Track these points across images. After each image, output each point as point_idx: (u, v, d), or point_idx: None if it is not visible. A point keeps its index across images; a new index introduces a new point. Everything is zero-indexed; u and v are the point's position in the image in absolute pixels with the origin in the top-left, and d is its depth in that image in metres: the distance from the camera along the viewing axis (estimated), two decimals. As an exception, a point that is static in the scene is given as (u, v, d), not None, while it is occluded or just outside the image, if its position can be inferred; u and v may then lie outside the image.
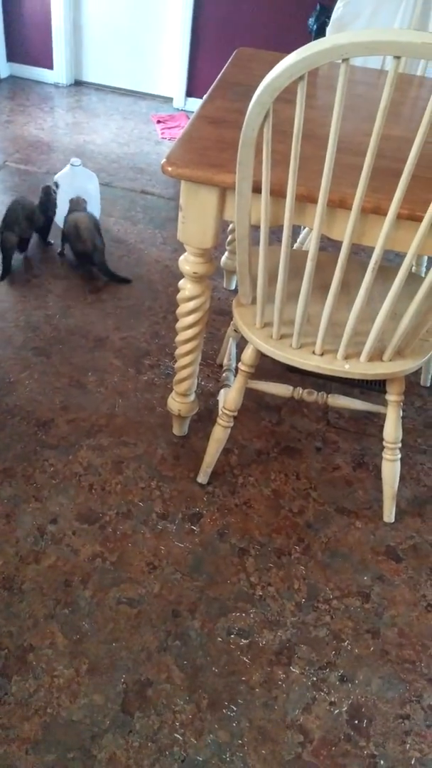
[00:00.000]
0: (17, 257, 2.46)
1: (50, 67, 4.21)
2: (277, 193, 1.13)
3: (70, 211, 2.43)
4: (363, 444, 1.87)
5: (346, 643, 1.39)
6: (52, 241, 2.58)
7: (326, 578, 1.51)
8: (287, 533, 1.60)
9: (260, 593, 1.46)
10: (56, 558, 1.48)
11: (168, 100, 4.17)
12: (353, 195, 1.05)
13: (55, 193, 2.50)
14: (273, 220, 1.18)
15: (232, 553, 1.53)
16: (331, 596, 1.47)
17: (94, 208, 2.64)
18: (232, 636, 1.38)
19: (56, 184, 2.53)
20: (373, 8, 1.79)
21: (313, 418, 1.92)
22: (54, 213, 2.52)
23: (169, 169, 1.20)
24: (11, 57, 4.24)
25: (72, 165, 2.59)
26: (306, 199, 1.16)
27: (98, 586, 1.44)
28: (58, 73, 4.21)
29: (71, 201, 2.47)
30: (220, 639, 1.37)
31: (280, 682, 1.31)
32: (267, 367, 1.94)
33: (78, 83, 4.31)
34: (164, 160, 1.21)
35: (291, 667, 1.34)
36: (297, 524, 1.62)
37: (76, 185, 2.57)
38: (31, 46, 4.17)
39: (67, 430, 1.79)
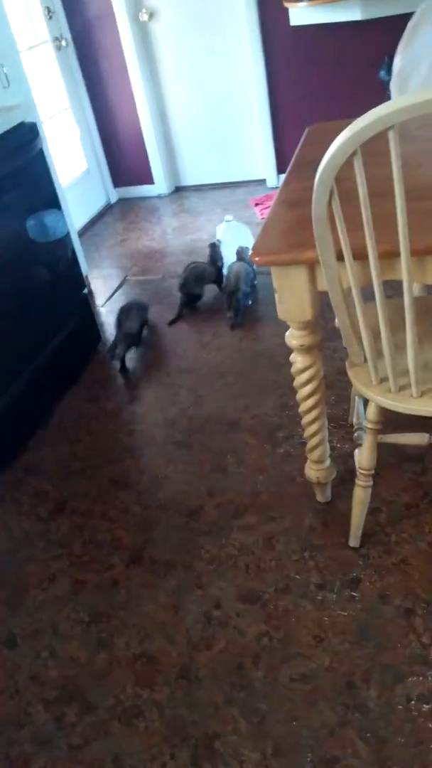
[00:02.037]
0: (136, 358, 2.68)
1: (151, 182, 4.62)
2: (361, 256, 1.17)
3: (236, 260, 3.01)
4: None
5: None
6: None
7: None
8: (453, 587, 1.53)
9: (436, 654, 1.40)
10: (225, 642, 1.53)
11: (262, 181, 4.39)
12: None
13: (218, 246, 3.11)
14: (363, 281, 1.22)
15: (398, 615, 1.49)
16: None
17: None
18: (413, 702, 1.33)
19: (219, 241, 3.17)
20: (431, 56, 1.82)
21: (459, 462, 1.86)
22: (222, 263, 3.08)
23: (257, 259, 1.29)
24: (117, 183, 4.71)
25: (226, 221, 3.28)
26: (392, 254, 1.19)
27: (269, 666, 1.45)
28: (159, 186, 4.60)
29: (237, 252, 3.03)
30: (400, 707, 1.32)
31: None
32: (403, 417, 1.91)
33: (178, 189, 4.67)
34: (251, 251, 1.31)
35: None
36: (462, 576, 1.55)
37: (234, 236, 3.21)
38: (131, 169, 4.62)
39: (216, 514, 1.87)
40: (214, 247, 3.13)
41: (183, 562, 1.75)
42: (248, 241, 3.15)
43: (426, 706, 1.31)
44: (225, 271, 3.00)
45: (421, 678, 1.36)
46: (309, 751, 1.29)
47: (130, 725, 1.41)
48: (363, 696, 1.36)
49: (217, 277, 3.07)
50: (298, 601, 1.58)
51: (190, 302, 2.99)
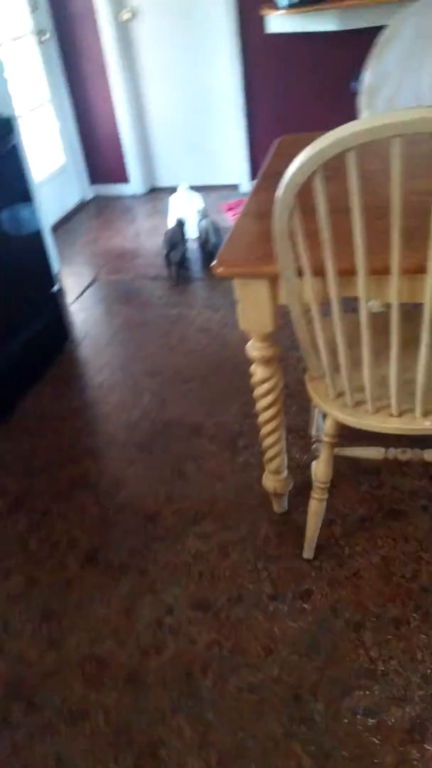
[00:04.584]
0: (115, 373, 2.66)
1: (126, 181, 4.60)
2: (321, 273, 1.17)
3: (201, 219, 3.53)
4: (473, 495, 1.80)
5: None
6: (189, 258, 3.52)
7: (451, 645, 1.44)
8: (403, 601, 1.54)
9: (382, 668, 1.42)
10: (176, 649, 1.53)
11: (235, 186, 4.40)
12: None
13: (183, 224, 3.49)
14: (322, 297, 1.23)
15: (348, 628, 1.51)
16: (459, 664, 1.40)
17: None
18: (359, 716, 1.34)
19: (182, 221, 3.52)
20: (400, 72, 1.85)
21: (414, 476, 1.88)
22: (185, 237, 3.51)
23: (219, 270, 1.29)
24: (93, 180, 4.67)
25: (181, 187, 3.78)
26: (350, 272, 1.20)
27: (218, 675, 1.46)
28: (134, 185, 4.58)
29: (199, 212, 3.59)
30: (346, 720, 1.33)
31: (415, 762, 1.25)
32: (361, 431, 1.93)
33: (153, 190, 4.66)
34: (214, 262, 1.31)
35: (425, 745, 1.27)
36: (412, 590, 1.57)
37: (189, 201, 3.70)
38: (108, 167, 4.59)
39: (173, 520, 1.86)
40: (181, 223, 3.51)
41: (137, 566, 1.74)
42: (201, 204, 3.75)
43: (371, 720, 1.33)
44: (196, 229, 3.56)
45: (367, 692, 1.38)
46: (253, 763, 1.29)
47: (75, 727, 1.40)
48: (310, 708, 1.37)
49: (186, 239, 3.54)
50: (249, 611, 1.58)
51: (183, 261, 3.38)
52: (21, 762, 1.35)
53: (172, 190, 4.57)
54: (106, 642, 1.57)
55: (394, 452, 1.57)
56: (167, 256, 3.31)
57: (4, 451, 2.24)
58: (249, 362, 1.52)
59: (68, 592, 1.70)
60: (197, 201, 3.77)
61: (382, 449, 1.57)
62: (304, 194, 1.05)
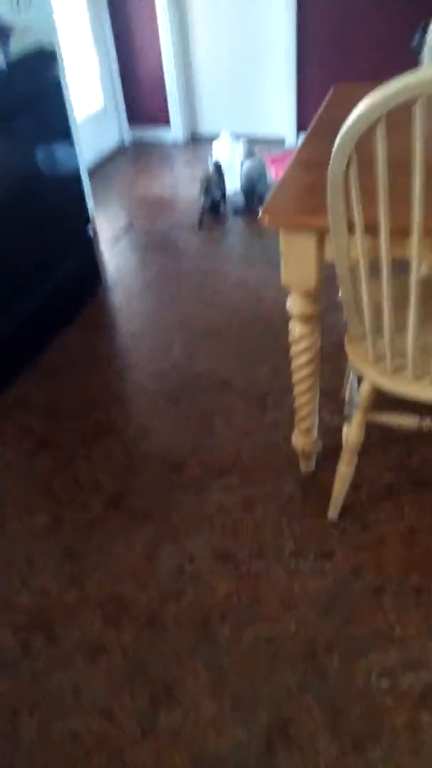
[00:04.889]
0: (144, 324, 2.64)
1: (167, 125, 4.49)
2: (373, 229, 1.13)
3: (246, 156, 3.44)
4: None
5: None
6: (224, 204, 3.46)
7: (470, 615, 1.44)
8: (425, 571, 1.54)
9: (400, 633, 1.42)
10: (195, 596, 1.55)
11: (281, 139, 4.27)
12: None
13: (220, 168, 3.35)
14: (372, 255, 1.19)
15: (368, 592, 1.51)
16: None
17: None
18: (372, 677, 1.35)
19: (219, 165, 3.36)
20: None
21: (446, 446, 1.86)
22: (221, 182, 3.37)
23: (265, 220, 1.25)
24: (132, 121, 4.56)
25: (224, 134, 3.65)
26: (405, 231, 1.15)
27: (236, 624, 1.48)
28: (175, 131, 4.47)
29: (244, 143, 3.49)
30: (360, 680, 1.35)
31: (427, 727, 1.27)
32: (394, 398, 1.90)
33: (194, 137, 4.54)
34: (260, 211, 1.27)
35: (437, 711, 1.29)
36: (434, 559, 1.56)
37: (232, 150, 3.61)
38: (149, 108, 4.48)
39: (198, 471, 1.87)
40: (218, 165, 3.38)
41: (161, 514, 1.76)
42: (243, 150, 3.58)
43: (385, 683, 1.34)
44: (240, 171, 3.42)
45: (383, 654, 1.39)
46: (266, 710, 1.32)
47: (93, 661, 1.44)
48: (325, 664, 1.38)
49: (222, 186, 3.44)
50: (270, 566, 1.59)
51: (214, 207, 3.35)
52: (40, 689, 1.40)
53: (214, 138, 4.47)
54: (127, 584, 1.59)
55: (429, 422, 1.54)
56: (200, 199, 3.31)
57: (30, 392, 2.26)
58: (283, 321, 1.49)
59: (91, 533, 1.73)
60: (240, 150, 3.65)
61: (417, 418, 1.55)
62: (360, 147, 1.00)
